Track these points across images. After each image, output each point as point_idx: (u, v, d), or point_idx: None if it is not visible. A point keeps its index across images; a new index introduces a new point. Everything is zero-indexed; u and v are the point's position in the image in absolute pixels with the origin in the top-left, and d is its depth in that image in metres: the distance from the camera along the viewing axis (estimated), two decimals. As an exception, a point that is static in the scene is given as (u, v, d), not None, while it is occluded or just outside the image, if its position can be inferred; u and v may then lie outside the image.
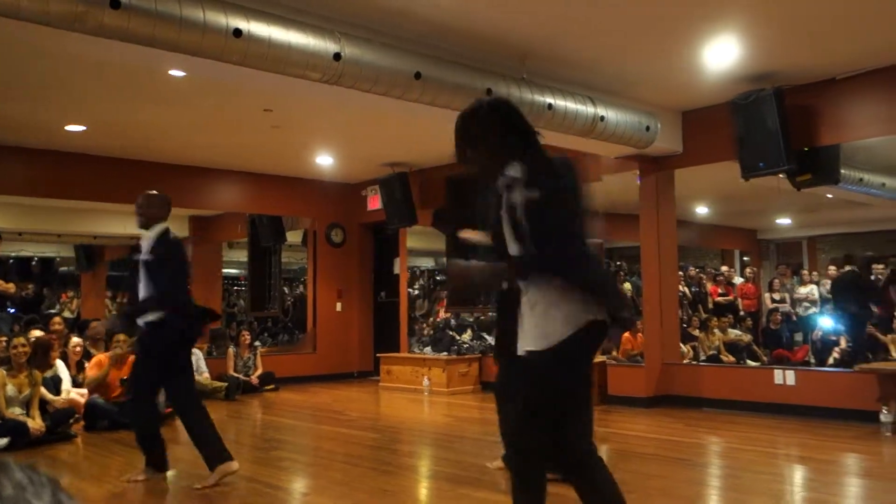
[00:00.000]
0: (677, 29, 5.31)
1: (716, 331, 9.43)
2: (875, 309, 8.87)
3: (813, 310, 10.40)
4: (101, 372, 6.68)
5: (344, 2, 4.74)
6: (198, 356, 8.58)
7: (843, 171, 7.39)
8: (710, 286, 11.11)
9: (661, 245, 7.68)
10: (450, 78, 5.24)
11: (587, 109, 6.13)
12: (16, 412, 5.82)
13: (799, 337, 10.30)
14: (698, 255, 14.04)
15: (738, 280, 11.72)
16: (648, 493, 4.16)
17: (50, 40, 4.17)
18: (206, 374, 8.78)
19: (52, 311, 12.21)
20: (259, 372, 9.39)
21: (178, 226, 4.93)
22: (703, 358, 8.83)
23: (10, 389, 5.85)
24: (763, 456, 5.24)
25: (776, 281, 11.00)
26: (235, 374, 9.06)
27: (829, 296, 10.37)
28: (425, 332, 10.64)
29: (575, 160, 2.69)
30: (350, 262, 11.03)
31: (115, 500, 4.34)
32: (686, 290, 10.46)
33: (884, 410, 5.82)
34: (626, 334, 8.24)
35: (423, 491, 4.67)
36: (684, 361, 8.15)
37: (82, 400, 6.65)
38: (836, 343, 9.08)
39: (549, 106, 5.82)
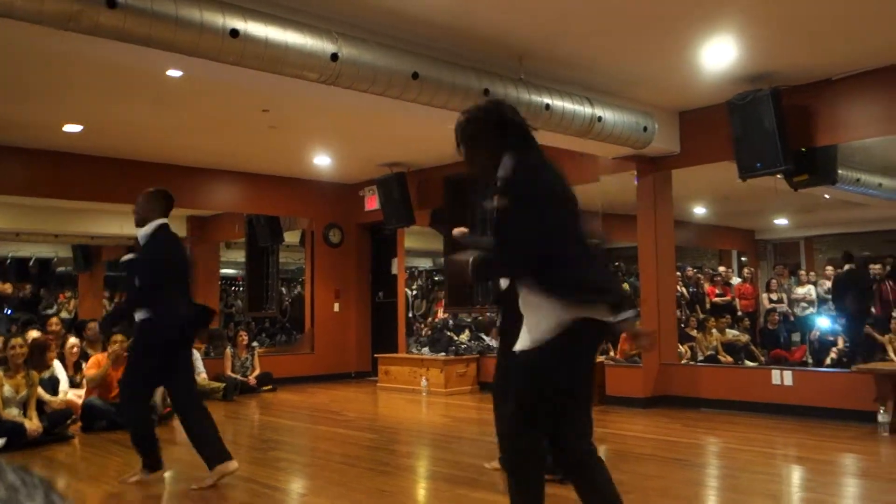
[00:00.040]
0: (674, 29, 5.32)
1: (713, 331, 9.43)
2: (874, 310, 8.89)
3: (810, 310, 10.41)
4: (101, 369, 6.66)
5: (341, 2, 4.74)
6: (195, 357, 8.55)
7: (840, 171, 7.40)
8: (707, 286, 11.11)
9: (659, 245, 7.68)
10: (447, 78, 5.24)
11: (584, 110, 6.13)
12: (13, 413, 5.81)
13: (796, 337, 10.31)
14: (696, 256, 14.05)
15: (735, 280, 11.72)
16: (646, 494, 4.16)
17: (45, 40, 4.16)
18: (204, 375, 8.77)
19: (50, 311, 12.20)
20: (257, 372, 9.39)
21: (175, 226, 4.85)
22: (700, 358, 8.83)
23: (7, 390, 5.83)
24: (761, 456, 5.24)
25: (774, 281, 11.01)
26: (233, 375, 9.05)
27: (828, 296, 10.40)
28: (423, 332, 10.64)
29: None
30: (348, 262, 11.03)
31: (113, 501, 4.34)
32: (684, 290, 10.47)
33: (881, 410, 5.83)
34: (625, 334, 8.24)
35: (421, 491, 4.67)
36: (682, 362, 8.15)
37: (79, 401, 6.64)
38: (834, 343, 9.10)
39: (547, 106, 5.82)
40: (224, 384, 8.70)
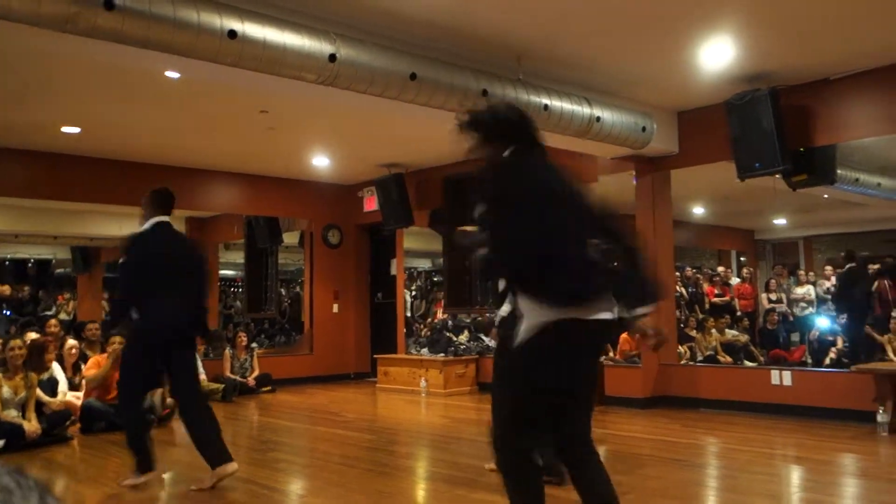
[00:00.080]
0: (673, 29, 5.32)
1: (713, 331, 9.44)
2: (877, 310, 8.91)
3: (809, 310, 10.43)
4: (102, 370, 6.65)
5: (339, 3, 4.74)
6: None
7: (839, 171, 7.40)
8: (706, 287, 11.12)
9: (658, 246, 7.68)
10: (445, 79, 5.24)
11: (583, 110, 6.13)
12: (11, 414, 5.80)
13: (796, 337, 10.32)
14: (695, 256, 14.07)
15: (734, 280, 11.74)
16: (645, 494, 4.16)
17: (43, 42, 4.16)
18: (203, 376, 8.75)
19: (49, 313, 12.19)
20: (256, 373, 9.38)
21: (175, 227, 4.82)
22: (700, 358, 8.83)
23: (6, 392, 5.83)
24: (760, 456, 5.24)
25: (773, 281, 11.02)
26: (232, 376, 9.05)
27: (827, 296, 10.41)
28: (422, 333, 10.64)
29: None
30: (347, 263, 11.02)
31: (112, 503, 4.33)
32: (683, 290, 10.47)
33: (880, 410, 5.83)
34: (624, 335, 8.24)
35: (420, 492, 4.67)
36: (681, 362, 8.15)
37: (78, 402, 6.63)
38: (833, 343, 9.11)
39: (546, 107, 5.82)
40: (223, 385, 8.69)
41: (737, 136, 6.44)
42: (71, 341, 7.49)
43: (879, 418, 5.81)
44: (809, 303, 10.49)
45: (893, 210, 9.81)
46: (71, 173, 8.54)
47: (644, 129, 6.70)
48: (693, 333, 9.36)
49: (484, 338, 9.64)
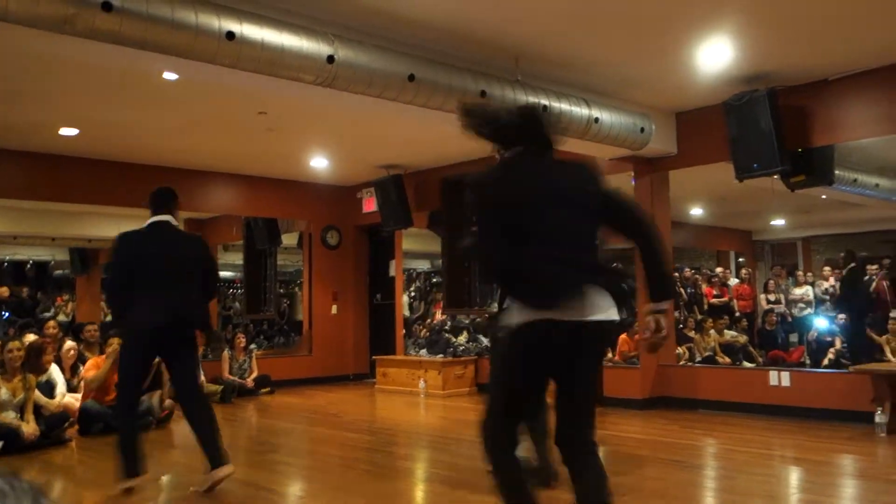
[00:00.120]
0: (671, 30, 5.32)
1: (711, 332, 9.44)
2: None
3: (808, 311, 10.43)
4: (101, 371, 6.64)
5: (337, 4, 4.74)
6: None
7: (837, 171, 7.41)
8: (705, 287, 11.12)
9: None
10: (443, 80, 5.23)
11: (581, 111, 6.13)
12: (9, 416, 5.80)
13: (794, 338, 10.32)
14: (693, 257, 14.09)
15: (733, 281, 11.74)
16: (644, 495, 4.16)
17: (41, 43, 4.15)
18: (202, 378, 8.75)
19: (47, 314, 12.18)
20: (254, 375, 9.37)
21: (176, 226, 4.81)
22: (698, 359, 8.84)
23: (4, 393, 5.82)
24: (758, 457, 5.24)
25: (771, 282, 11.03)
26: (231, 378, 9.04)
27: (826, 297, 10.41)
28: (421, 334, 10.63)
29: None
30: (345, 264, 11.02)
31: (109, 505, 4.32)
32: (681, 291, 10.47)
33: (878, 411, 5.83)
34: (623, 336, 8.24)
35: (419, 494, 4.66)
36: (680, 363, 8.15)
37: (77, 404, 6.62)
38: (832, 344, 9.10)
39: (544, 108, 5.82)
40: (222, 387, 8.69)
41: (735, 137, 6.44)
42: (69, 343, 7.49)
43: (877, 419, 5.81)
44: (808, 303, 10.50)
45: (891, 210, 9.82)
46: (69, 175, 8.53)
47: (642, 129, 6.71)
48: (692, 334, 9.36)
49: (483, 339, 9.64)
